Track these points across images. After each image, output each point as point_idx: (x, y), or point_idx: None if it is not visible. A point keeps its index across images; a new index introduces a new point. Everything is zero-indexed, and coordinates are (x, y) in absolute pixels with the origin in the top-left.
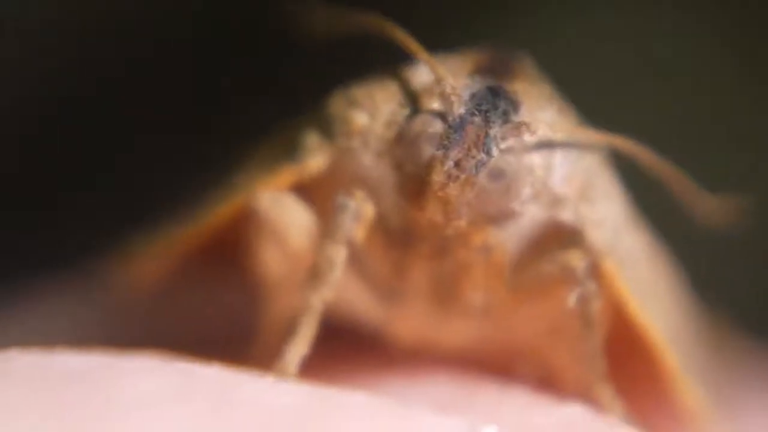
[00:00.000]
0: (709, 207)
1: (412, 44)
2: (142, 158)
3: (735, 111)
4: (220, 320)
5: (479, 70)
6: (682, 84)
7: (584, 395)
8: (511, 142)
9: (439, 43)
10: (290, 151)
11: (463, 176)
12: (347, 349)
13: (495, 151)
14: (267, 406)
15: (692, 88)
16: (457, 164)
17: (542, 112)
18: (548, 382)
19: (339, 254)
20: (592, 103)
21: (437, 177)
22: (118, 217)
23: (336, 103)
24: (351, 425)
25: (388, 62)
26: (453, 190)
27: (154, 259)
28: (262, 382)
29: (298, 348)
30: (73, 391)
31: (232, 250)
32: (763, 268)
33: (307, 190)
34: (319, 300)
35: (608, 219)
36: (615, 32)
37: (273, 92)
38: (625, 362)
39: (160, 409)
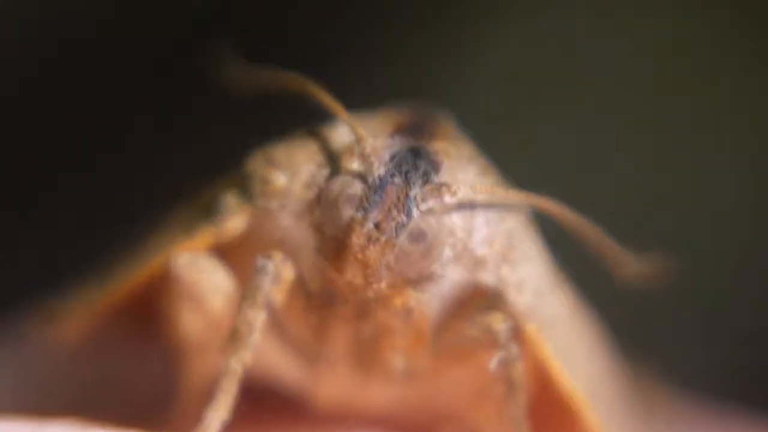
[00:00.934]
0: (629, 266)
1: (332, 103)
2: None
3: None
4: (142, 382)
5: (400, 130)
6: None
7: None
8: (431, 203)
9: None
10: (208, 212)
11: (382, 238)
12: (269, 413)
13: (415, 213)
14: None
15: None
16: (376, 226)
17: (463, 173)
18: None
19: (258, 317)
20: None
21: (356, 239)
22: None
23: (255, 163)
24: None
25: (310, 119)
26: (372, 252)
27: (74, 318)
28: None
29: (219, 413)
30: None
31: (152, 311)
32: (689, 322)
33: (226, 252)
34: (238, 363)
35: (529, 281)
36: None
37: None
38: (548, 424)
39: None
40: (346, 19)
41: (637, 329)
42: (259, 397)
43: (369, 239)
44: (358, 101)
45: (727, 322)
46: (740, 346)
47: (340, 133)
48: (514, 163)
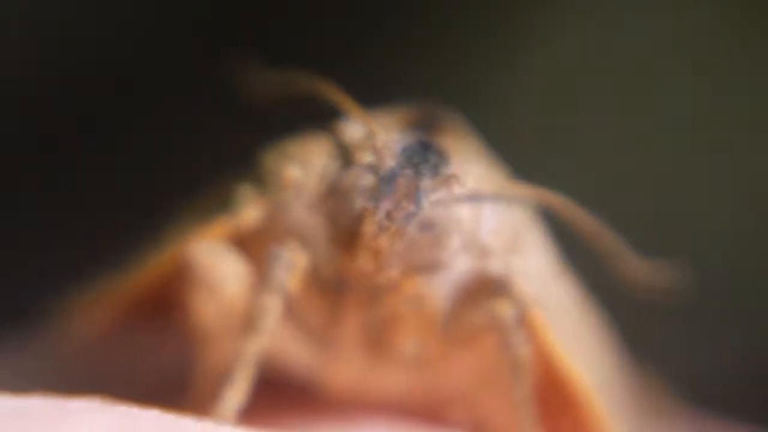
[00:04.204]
0: (637, 270)
1: (344, 100)
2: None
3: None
4: (160, 371)
5: (410, 126)
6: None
7: None
8: (440, 194)
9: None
10: (225, 204)
11: (393, 227)
12: (283, 398)
13: (425, 203)
14: None
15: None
16: (387, 216)
17: (471, 166)
18: (480, 429)
19: (273, 303)
20: None
21: (368, 228)
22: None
23: (270, 157)
24: None
25: (323, 119)
26: (383, 241)
27: (95, 309)
28: (201, 426)
29: (235, 397)
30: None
31: (170, 301)
32: (696, 331)
33: (241, 244)
34: (254, 349)
35: (535, 270)
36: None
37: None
38: (553, 413)
39: None
40: (381, 22)
41: (641, 331)
42: (272, 383)
43: (380, 228)
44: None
45: (736, 326)
46: (749, 350)
47: (353, 129)
48: (550, 169)
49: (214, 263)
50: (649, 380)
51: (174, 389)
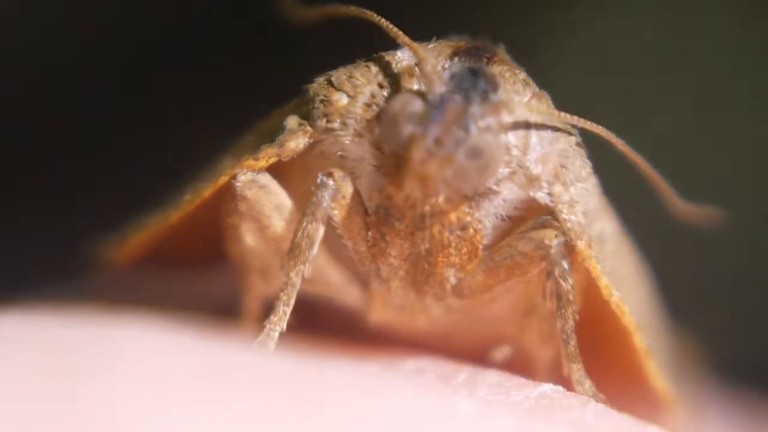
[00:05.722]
0: (678, 207)
1: (392, 29)
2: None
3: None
4: (206, 300)
5: (458, 54)
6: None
7: (556, 378)
8: (489, 121)
9: None
10: (272, 135)
11: (441, 153)
12: (326, 332)
13: (473, 129)
14: (253, 371)
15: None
16: (436, 141)
17: (519, 95)
18: (520, 366)
19: (317, 231)
20: None
21: (416, 154)
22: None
23: (317, 86)
24: (335, 392)
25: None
26: (431, 166)
27: (143, 239)
28: (247, 350)
29: (278, 324)
30: (67, 352)
31: (217, 234)
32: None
33: (287, 174)
34: (297, 276)
35: (581, 200)
36: None
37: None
38: (595, 348)
39: (149, 372)
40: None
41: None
42: (318, 314)
43: (428, 154)
44: None
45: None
46: None
47: (401, 57)
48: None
49: (260, 193)
50: (685, 339)
51: (222, 320)
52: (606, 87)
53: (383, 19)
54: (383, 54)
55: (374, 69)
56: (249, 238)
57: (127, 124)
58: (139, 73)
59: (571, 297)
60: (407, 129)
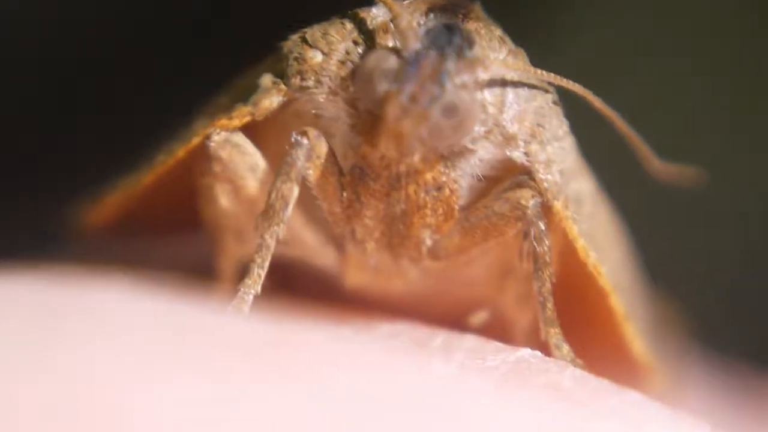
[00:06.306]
0: (657, 166)
1: None
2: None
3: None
4: (182, 263)
5: (434, 10)
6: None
7: (533, 342)
8: (464, 77)
9: None
10: (246, 93)
11: (417, 110)
12: (302, 295)
13: (449, 86)
14: (227, 335)
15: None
16: (411, 98)
17: (495, 52)
18: (498, 332)
19: (292, 191)
20: None
21: (391, 111)
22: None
23: (291, 44)
24: (308, 356)
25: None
26: (406, 124)
27: (117, 200)
28: (221, 313)
29: (252, 287)
30: (43, 316)
31: (191, 192)
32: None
33: (263, 133)
34: (272, 238)
35: (557, 160)
36: None
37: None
38: (573, 311)
39: (125, 333)
40: None
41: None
42: (293, 275)
43: (403, 111)
44: None
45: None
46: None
47: (375, 14)
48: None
49: (234, 153)
50: (666, 305)
51: (197, 283)
52: (606, 87)
53: None
54: (358, 10)
55: (349, 26)
56: (223, 199)
57: (127, 123)
58: (139, 73)
59: (547, 258)
60: (382, 86)
